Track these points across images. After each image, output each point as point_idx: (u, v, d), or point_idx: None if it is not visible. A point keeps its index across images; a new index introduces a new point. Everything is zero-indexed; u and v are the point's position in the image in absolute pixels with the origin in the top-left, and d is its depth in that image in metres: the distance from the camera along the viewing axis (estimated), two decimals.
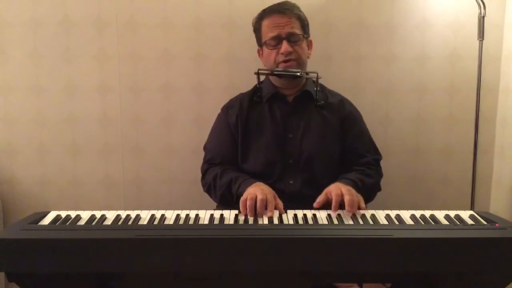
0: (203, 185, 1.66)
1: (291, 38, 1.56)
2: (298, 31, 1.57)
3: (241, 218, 1.27)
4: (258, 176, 1.52)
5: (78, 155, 1.99)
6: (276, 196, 1.35)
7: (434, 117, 2.02)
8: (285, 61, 1.56)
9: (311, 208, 1.35)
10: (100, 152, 1.99)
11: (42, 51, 1.92)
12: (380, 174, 1.66)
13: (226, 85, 1.96)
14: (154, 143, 2.00)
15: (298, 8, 1.61)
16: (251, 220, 1.25)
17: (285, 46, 1.55)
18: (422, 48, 1.97)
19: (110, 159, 2.00)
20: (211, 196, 1.64)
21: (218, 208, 1.65)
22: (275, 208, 1.30)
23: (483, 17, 1.84)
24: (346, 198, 1.28)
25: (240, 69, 1.95)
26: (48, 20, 1.90)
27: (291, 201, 1.35)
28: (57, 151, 1.98)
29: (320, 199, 1.35)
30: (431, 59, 1.98)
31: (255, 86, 1.67)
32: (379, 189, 1.64)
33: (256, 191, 1.31)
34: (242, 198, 1.31)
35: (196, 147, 2.00)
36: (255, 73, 1.60)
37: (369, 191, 1.55)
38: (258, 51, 1.68)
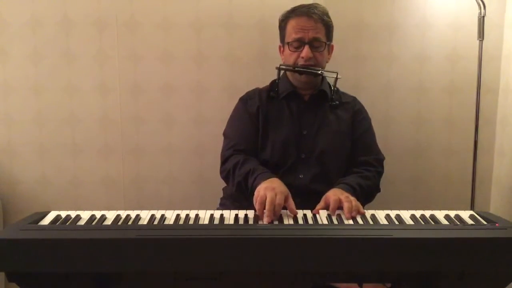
0: (222, 171, 1.62)
1: (313, 43, 1.56)
2: (322, 37, 1.57)
3: (241, 218, 1.27)
4: (272, 165, 1.54)
5: (78, 155, 1.99)
6: (289, 195, 1.33)
7: (434, 117, 2.02)
8: (304, 66, 1.56)
9: (316, 203, 1.36)
10: (100, 152, 1.99)
11: (42, 51, 1.92)
12: (380, 174, 1.65)
13: (226, 85, 1.96)
14: (154, 143, 2.00)
15: (327, 14, 1.60)
16: (251, 220, 1.26)
17: (306, 51, 1.55)
18: (422, 48, 1.97)
19: (110, 159, 2.00)
20: (227, 183, 1.63)
21: (218, 208, 1.66)
22: (287, 209, 1.30)
23: (483, 17, 1.84)
24: (345, 206, 1.29)
25: (240, 69, 1.95)
26: (48, 20, 1.90)
27: (297, 196, 1.36)
28: (57, 151, 1.98)
29: (319, 206, 1.35)
30: (431, 59, 1.98)
31: (273, 81, 1.68)
32: (378, 190, 1.64)
33: (268, 190, 1.29)
34: (254, 197, 1.32)
35: (196, 147, 2.00)
36: (276, 68, 1.62)
37: (368, 193, 1.56)
38: (279, 48, 1.68)
